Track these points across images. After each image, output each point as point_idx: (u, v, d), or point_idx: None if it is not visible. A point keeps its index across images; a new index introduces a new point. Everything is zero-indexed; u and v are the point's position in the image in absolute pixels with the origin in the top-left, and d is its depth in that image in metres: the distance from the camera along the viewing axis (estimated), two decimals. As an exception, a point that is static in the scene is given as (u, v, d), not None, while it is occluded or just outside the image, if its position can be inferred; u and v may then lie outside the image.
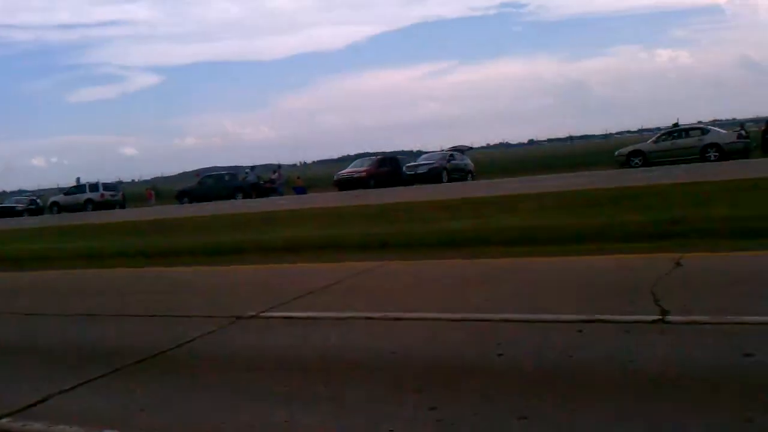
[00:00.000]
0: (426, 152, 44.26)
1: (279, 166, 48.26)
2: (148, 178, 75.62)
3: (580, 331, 4.98)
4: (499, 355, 4.64)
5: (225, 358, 5.38)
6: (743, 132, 33.48)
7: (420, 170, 37.27)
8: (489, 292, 6.67)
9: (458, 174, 37.93)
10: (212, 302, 7.43)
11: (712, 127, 34.89)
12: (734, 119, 73.56)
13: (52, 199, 48.95)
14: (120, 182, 57.23)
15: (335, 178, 39.51)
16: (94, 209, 43.51)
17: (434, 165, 37.40)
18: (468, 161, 40.83)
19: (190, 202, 41.19)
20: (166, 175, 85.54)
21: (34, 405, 4.56)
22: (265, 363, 5.12)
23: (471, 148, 49.47)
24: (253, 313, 6.55)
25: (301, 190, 44.10)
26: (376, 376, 4.53)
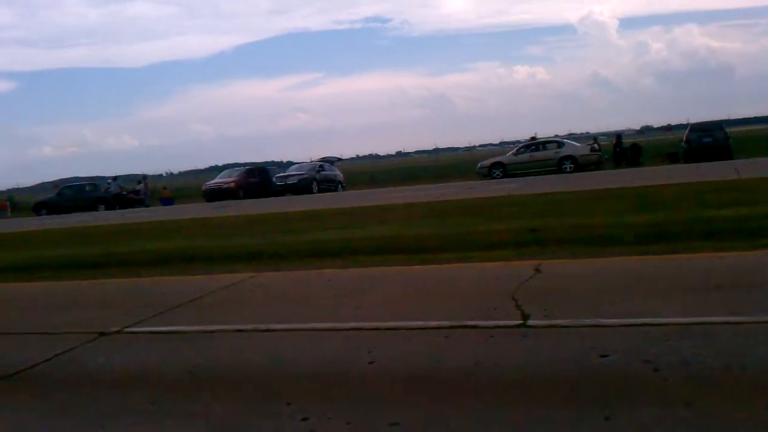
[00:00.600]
0: (296, 163, 44.14)
1: (144, 177, 46.60)
2: (3, 189, 71.09)
3: (447, 337, 5.14)
4: (370, 363, 4.72)
5: (87, 377, 5.17)
6: (596, 145, 35.45)
7: (290, 181, 37.11)
8: (359, 300, 6.74)
9: (328, 185, 38.03)
10: (76, 318, 7.10)
11: (568, 141, 36.84)
12: (588, 133, 77.67)
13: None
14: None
15: (203, 188, 38.72)
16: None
17: (304, 176, 37.35)
18: (338, 172, 41.04)
19: (49, 213, 39.13)
20: (22, 185, 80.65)
21: None
22: (130, 380, 4.96)
23: (340, 159, 49.73)
24: (117, 329, 6.32)
25: (168, 201, 42.87)
26: (246, 389, 4.49)
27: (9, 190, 66.88)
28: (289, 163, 48.93)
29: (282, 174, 39.20)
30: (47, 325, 6.81)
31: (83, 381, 5.06)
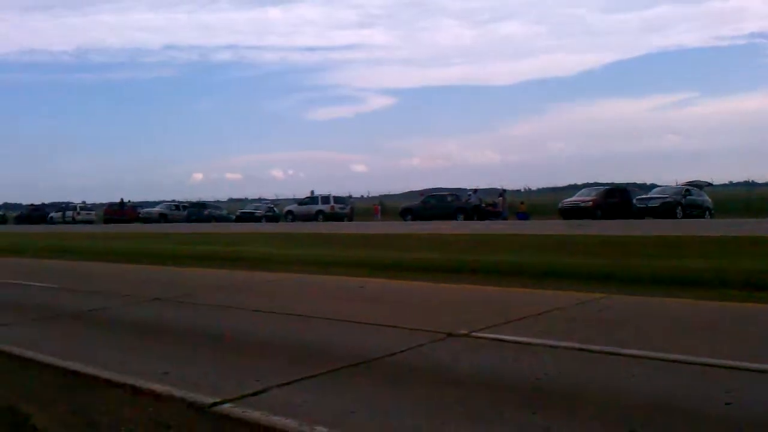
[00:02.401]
0: (659, 186, 42.01)
1: (503, 191, 48.11)
2: (376, 194, 78.82)
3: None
4: (727, 404, 4.26)
5: (433, 371, 5.43)
6: None
7: (651, 203, 35.37)
8: (714, 335, 6.15)
9: (694, 210, 35.52)
10: (428, 317, 7.54)
11: None
12: None
13: (287, 208, 52.47)
14: (350, 196, 60.06)
15: (560, 205, 38.65)
16: (324, 220, 46.05)
17: (668, 199, 35.29)
18: (706, 197, 38.16)
19: (413, 219, 42.31)
20: (392, 192, 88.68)
21: (255, 395, 4.89)
22: (474, 383, 5.09)
23: (710, 184, 46.15)
24: (465, 332, 6.56)
25: (524, 216, 43.65)
26: (587, 409, 4.33)
27: (380, 196, 73.72)
28: (652, 186, 46.78)
29: (644, 196, 37.58)
30: (403, 321, 7.31)
31: (430, 376, 5.32)
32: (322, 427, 4.13)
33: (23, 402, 4.94)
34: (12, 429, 4.40)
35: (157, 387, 5.10)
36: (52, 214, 63.81)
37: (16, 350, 6.66)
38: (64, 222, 59.82)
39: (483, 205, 44.17)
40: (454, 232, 24.26)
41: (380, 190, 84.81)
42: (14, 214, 73.00)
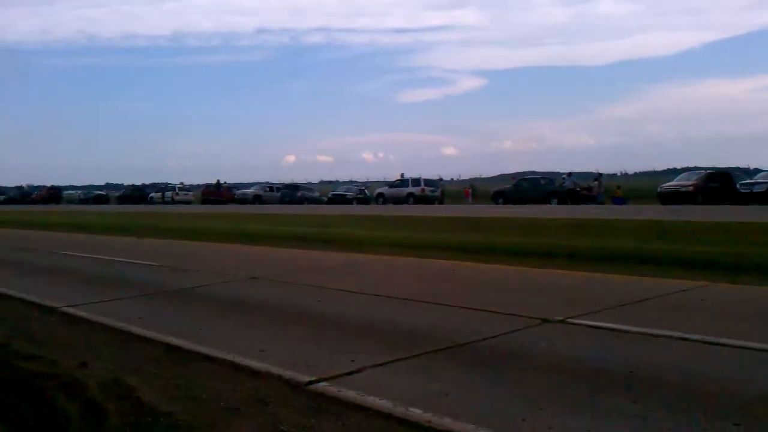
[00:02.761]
0: (764, 170, 40.15)
1: (600, 175, 47.00)
2: (466, 177, 78.32)
3: None
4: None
5: (528, 357, 5.36)
6: None
7: (757, 188, 33.87)
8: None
9: (804, 196, 33.79)
10: (522, 302, 7.46)
11: None
12: None
13: (378, 190, 52.85)
14: (440, 179, 59.93)
15: (659, 190, 37.50)
16: (414, 203, 46.14)
17: (775, 183, 33.73)
18: (816, 182, 36.20)
19: (505, 203, 41.88)
20: (484, 176, 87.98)
21: (349, 374, 4.95)
22: (569, 369, 5.01)
23: (821, 167, 43.73)
24: (561, 318, 6.45)
25: (620, 201, 42.60)
26: (687, 400, 4.19)
27: (471, 179, 73.25)
28: (756, 170, 44.76)
29: (748, 181, 36.03)
30: (496, 305, 7.25)
31: (524, 361, 5.26)
32: (416, 408, 4.15)
33: (128, 375, 5.16)
34: (118, 400, 4.60)
35: (255, 364, 5.24)
36: (151, 194, 66.32)
37: (121, 325, 6.96)
38: (164, 202, 62.04)
39: (578, 189, 43.32)
40: (548, 216, 23.87)
41: (471, 174, 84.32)
42: (116, 194, 76.16)
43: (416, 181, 49.35)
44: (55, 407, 4.50)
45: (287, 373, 4.95)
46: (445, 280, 9.43)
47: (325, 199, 56.30)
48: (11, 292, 9.20)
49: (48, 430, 4.11)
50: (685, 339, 5.58)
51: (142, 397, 4.62)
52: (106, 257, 13.68)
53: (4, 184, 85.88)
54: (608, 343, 5.72)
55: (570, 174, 45.60)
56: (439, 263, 11.27)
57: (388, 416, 4.10)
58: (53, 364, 5.58)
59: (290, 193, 57.45)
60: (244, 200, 56.41)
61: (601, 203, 40.81)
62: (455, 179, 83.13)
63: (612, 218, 21.28)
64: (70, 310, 7.89)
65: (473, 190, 58.15)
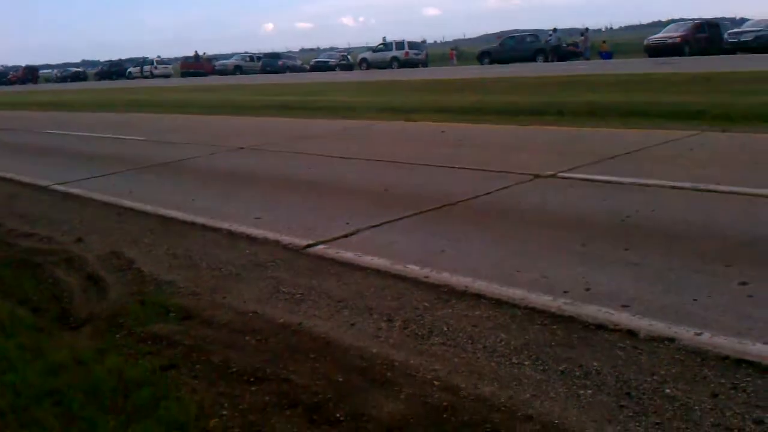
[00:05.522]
0: (751, 19, 39.37)
1: (586, 30, 46.06)
2: (450, 39, 76.64)
3: None
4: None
5: (521, 212, 5.42)
6: None
7: (744, 38, 33.32)
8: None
9: (791, 43, 33.32)
10: (513, 160, 7.47)
11: None
12: None
13: (361, 55, 51.75)
14: (424, 42, 58.60)
15: (645, 43, 36.85)
16: (399, 67, 45.29)
17: (762, 32, 33.16)
18: (804, 29, 35.63)
19: (491, 63, 41.22)
20: (468, 36, 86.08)
21: (346, 237, 5.00)
22: (562, 222, 5.06)
23: (809, 13, 42.94)
24: (552, 173, 6.47)
25: (607, 55, 41.98)
26: (679, 245, 4.27)
27: (455, 41, 71.75)
28: (743, 20, 43.92)
29: (736, 30, 35.39)
30: (487, 164, 7.26)
31: (517, 216, 5.32)
32: (413, 265, 4.22)
33: (125, 248, 5.19)
34: (118, 272, 4.64)
35: (252, 231, 5.28)
36: (130, 69, 64.85)
37: (113, 199, 6.94)
38: (143, 77, 60.72)
39: (564, 45, 42.56)
40: (535, 74, 23.55)
41: (454, 35, 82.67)
42: (94, 70, 74.45)
43: (400, 45, 48.21)
44: (57, 282, 4.55)
45: (285, 238, 5.00)
46: (435, 143, 9.39)
47: (307, 67, 55.14)
48: (-1, 173, 9.12)
49: (51, 305, 4.17)
50: (676, 187, 5.63)
51: (142, 268, 4.66)
52: (92, 134, 13.51)
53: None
54: (600, 194, 5.77)
55: (555, 30, 44.62)
56: (428, 125, 11.18)
57: (385, 274, 4.17)
58: (49, 241, 5.61)
59: (271, 62, 56.17)
60: (224, 71, 55.30)
61: (588, 59, 40.20)
62: (438, 42, 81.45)
63: (599, 73, 21.03)
64: (60, 187, 7.85)
65: (458, 52, 57.05)
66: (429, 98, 16.10)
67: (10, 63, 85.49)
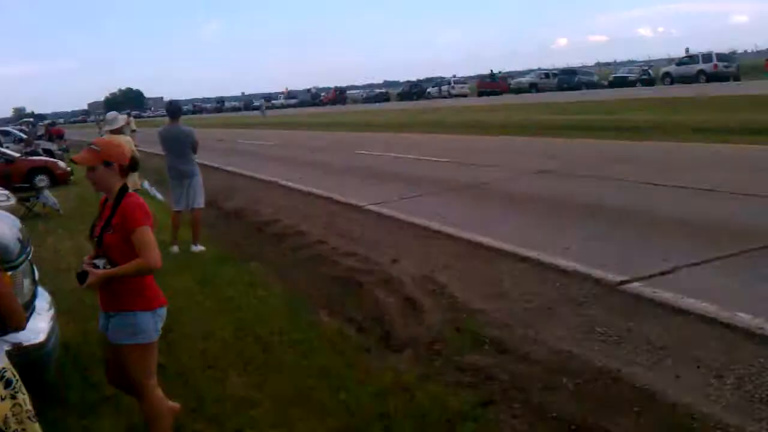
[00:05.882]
0: None
1: None
2: (764, 48, 69.56)
3: None
4: None
5: None
6: None
7: None
8: None
9: None
10: None
11: None
12: None
13: (664, 69, 48.99)
14: (734, 53, 54.09)
15: None
16: (706, 81, 42.21)
17: None
18: None
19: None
20: (785, 45, 77.54)
21: (663, 274, 4.70)
22: None
23: None
24: None
25: None
26: None
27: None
28: None
29: None
30: None
31: None
32: (743, 313, 3.85)
33: (437, 271, 5.37)
34: (433, 296, 4.82)
35: (562, 262, 5.18)
36: (429, 89, 67.81)
37: (422, 221, 7.22)
38: (441, 96, 63.15)
39: None
40: None
41: (768, 44, 74.74)
42: (396, 91, 79.00)
43: (707, 57, 44.93)
44: (377, 302, 4.84)
45: (597, 272, 4.84)
46: (751, 167, 8.54)
47: (605, 83, 53.57)
48: (318, 191, 9.93)
49: (374, 325, 4.44)
50: None
51: (455, 294, 4.80)
52: (398, 155, 14.18)
53: (294, 88, 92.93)
54: None
55: None
56: (755, 149, 10.18)
57: (711, 321, 3.85)
58: (366, 260, 5.99)
59: (567, 78, 55.39)
60: (519, 89, 55.64)
61: None
62: (749, 51, 74.57)
63: None
64: (374, 207, 8.36)
65: (775, 62, 51.75)
66: (747, 116, 14.59)
67: (321, 85, 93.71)
